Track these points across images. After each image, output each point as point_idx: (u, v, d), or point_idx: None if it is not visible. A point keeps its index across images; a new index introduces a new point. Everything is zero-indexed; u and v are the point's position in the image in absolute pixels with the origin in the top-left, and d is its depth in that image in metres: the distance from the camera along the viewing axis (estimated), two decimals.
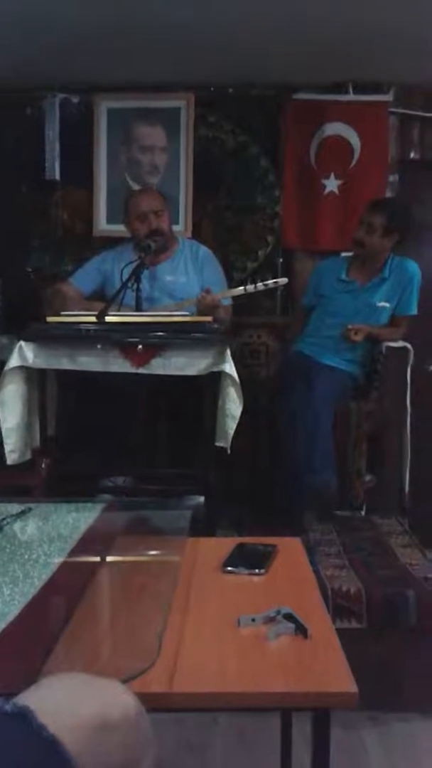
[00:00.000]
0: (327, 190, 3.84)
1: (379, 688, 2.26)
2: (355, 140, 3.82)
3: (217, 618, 1.25)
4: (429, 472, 3.66)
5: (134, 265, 2.89)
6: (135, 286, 2.86)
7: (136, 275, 2.85)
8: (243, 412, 2.56)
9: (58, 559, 1.39)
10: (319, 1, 2.85)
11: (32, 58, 3.47)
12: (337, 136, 3.81)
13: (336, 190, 3.84)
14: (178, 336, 2.60)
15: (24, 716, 0.58)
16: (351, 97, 3.80)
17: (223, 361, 2.54)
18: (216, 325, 2.69)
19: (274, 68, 3.61)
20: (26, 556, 1.39)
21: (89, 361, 2.61)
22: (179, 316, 2.78)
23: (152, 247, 2.98)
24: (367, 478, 3.26)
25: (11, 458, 2.58)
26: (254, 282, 2.88)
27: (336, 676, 1.06)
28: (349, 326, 3.12)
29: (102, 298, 3.12)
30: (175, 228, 3.50)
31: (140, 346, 2.57)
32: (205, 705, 1.10)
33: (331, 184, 3.83)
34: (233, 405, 2.54)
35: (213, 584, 1.42)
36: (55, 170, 3.90)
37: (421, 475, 3.45)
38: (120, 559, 1.61)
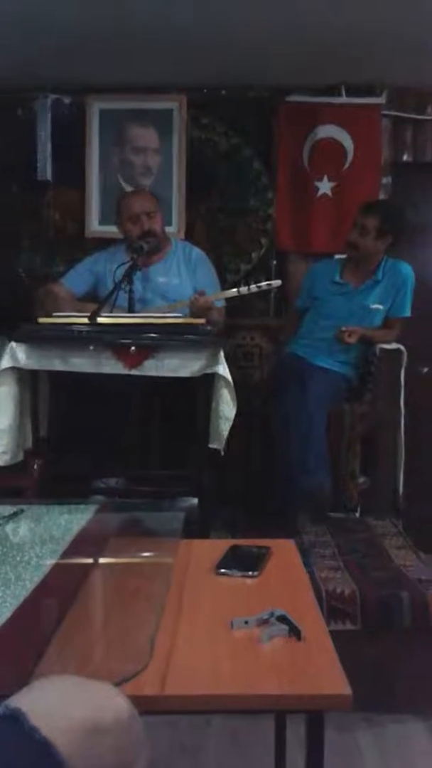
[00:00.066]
0: (320, 193, 3.84)
1: (374, 689, 2.25)
2: (348, 143, 3.82)
3: (210, 620, 1.24)
4: (423, 474, 3.67)
5: (127, 266, 2.88)
6: (128, 287, 2.86)
7: (128, 276, 2.85)
8: (236, 414, 2.55)
9: (50, 561, 1.38)
10: (313, 3, 2.85)
11: (24, 59, 3.47)
12: (330, 139, 3.82)
13: (329, 193, 3.84)
14: (171, 338, 2.59)
15: (16, 718, 0.57)
16: (344, 99, 3.81)
17: (216, 362, 2.54)
18: (209, 327, 2.68)
19: (268, 70, 3.61)
20: (18, 558, 1.38)
21: (81, 363, 2.60)
22: (172, 318, 2.77)
23: (145, 249, 2.98)
24: (361, 479, 3.26)
25: (3, 460, 2.57)
26: (247, 284, 2.88)
27: (330, 678, 1.06)
28: (343, 328, 3.13)
29: (94, 299, 3.11)
30: (168, 230, 3.50)
31: (133, 348, 2.57)
32: (197, 707, 1.09)
33: (324, 187, 3.84)
34: (227, 407, 2.54)
35: (206, 586, 1.41)
36: (46, 171, 3.89)
37: (415, 476, 3.45)
38: (113, 561, 1.60)
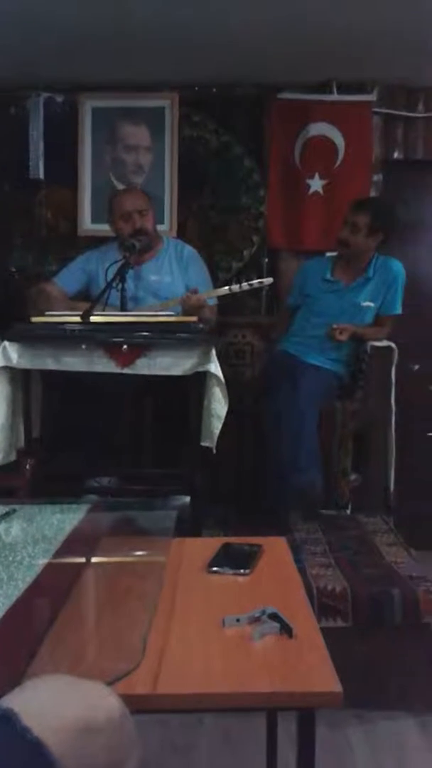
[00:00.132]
0: (311, 190, 3.85)
1: (365, 686, 2.27)
2: (339, 140, 3.83)
3: (202, 618, 1.24)
4: (414, 471, 3.69)
5: (119, 264, 2.88)
6: (120, 285, 2.86)
7: (120, 275, 2.85)
8: (228, 412, 2.56)
9: (42, 561, 1.38)
10: (304, 2, 2.85)
11: (17, 58, 3.46)
12: (321, 136, 3.82)
13: (320, 190, 3.84)
14: (164, 336, 2.60)
15: (8, 719, 0.57)
16: (335, 97, 3.81)
17: (208, 361, 2.54)
18: (201, 325, 2.69)
19: (259, 68, 3.61)
20: (10, 558, 1.38)
21: (74, 362, 2.60)
22: (164, 316, 2.77)
23: (137, 247, 2.98)
24: (353, 477, 3.27)
25: None
26: (239, 282, 2.89)
27: (321, 675, 1.06)
28: (334, 326, 3.13)
29: (86, 298, 3.11)
30: (160, 227, 3.50)
31: (125, 346, 2.57)
32: (189, 706, 1.10)
33: (316, 184, 3.84)
34: (218, 405, 2.55)
35: (198, 585, 1.42)
36: (39, 169, 3.88)
37: (406, 473, 3.47)
38: (105, 560, 1.61)
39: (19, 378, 2.68)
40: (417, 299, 3.66)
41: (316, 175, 3.84)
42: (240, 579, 1.45)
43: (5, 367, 2.59)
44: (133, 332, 2.60)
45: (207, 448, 2.58)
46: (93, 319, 2.60)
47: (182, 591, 1.37)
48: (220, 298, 3.15)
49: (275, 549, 1.63)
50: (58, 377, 2.71)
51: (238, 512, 3.09)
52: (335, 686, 1.04)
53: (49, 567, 1.36)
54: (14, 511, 1.70)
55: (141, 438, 3.07)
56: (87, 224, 3.92)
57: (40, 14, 2.99)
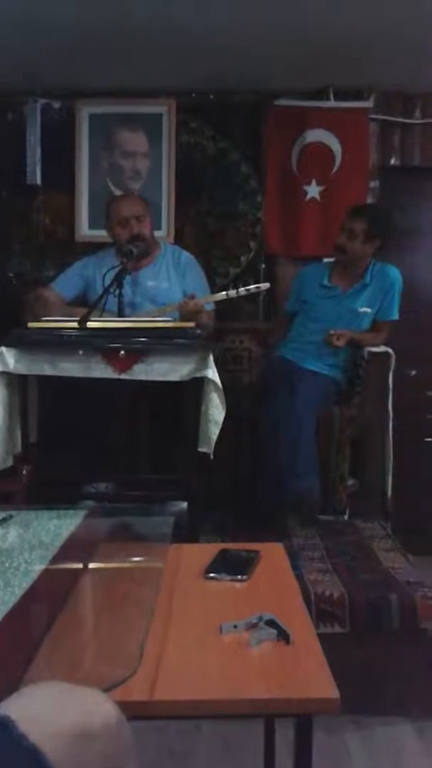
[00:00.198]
0: (308, 197, 3.86)
1: (362, 692, 2.27)
2: (336, 146, 3.84)
3: (200, 625, 1.25)
4: (411, 476, 3.69)
5: (116, 270, 2.88)
6: (117, 291, 2.86)
7: (118, 281, 2.85)
8: (226, 418, 2.56)
9: (39, 567, 1.38)
10: (300, 7, 2.86)
11: (14, 64, 3.47)
12: (318, 143, 3.83)
13: (317, 197, 3.85)
14: (161, 342, 2.60)
15: (5, 725, 0.57)
16: (332, 103, 3.82)
17: (205, 366, 2.54)
18: (198, 331, 2.69)
19: (256, 75, 3.63)
20: (7, 565, 1.38)
21: (71, 367, 2.60)
22: (161, 322, 2.77)
23: (134, 253, 2.98)
24: (350, 482, 3.27)
25: None
26: (236, 287, 2.89)
27: (318, 682, 1.07)
28: (331, 331, 3.13)
29: (84, 303, 3.11)
30: (158, 233, 3.50)
31: (122, 352, 2.57)
32: (187, 713, 1.10)
33: (313, 191, 3.85)
34: (216, 411, 2.54)
35: (195, 591, 1.42)
36: (36, 175, 3.88)
37: (404, 479, 3.47)
38: (102, 566, 1.61)
39: (16, 383, 2.68)
40: (414, 305, 3.67)
41: (313, 182, 3.85)
42: (237, 585, 1.45)
43: (2, 373, 2.59)
44: (130, 338, 2.60)
45: (204, 453, 2.58)
46: (90, 324, 2.59)
47: (179, 597, 1.37)
48: (218, 303, 3.15)
49: (273, 555, 1.64)
50: (55, 383, 2.71)
51: (236, 518, 3.08)
52: (332, 692, 1.04)
53: (45, 573, 1.37)
54: (11, 516, 1.70)
55: (138, 443, 3.06)
56: (84, 230, 3.93)
57: (38, 20, 2.99)
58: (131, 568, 1.60)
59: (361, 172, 3.85)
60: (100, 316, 2.75)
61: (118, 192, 3.82)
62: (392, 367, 3.28)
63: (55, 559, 1.44)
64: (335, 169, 3.85)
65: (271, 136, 3.87)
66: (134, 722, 0.79)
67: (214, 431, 2.54)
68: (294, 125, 3.84)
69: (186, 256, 3.29)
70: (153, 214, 3.29)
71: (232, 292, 2.88)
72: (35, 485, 2.66)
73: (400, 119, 3.88)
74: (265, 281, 3.14)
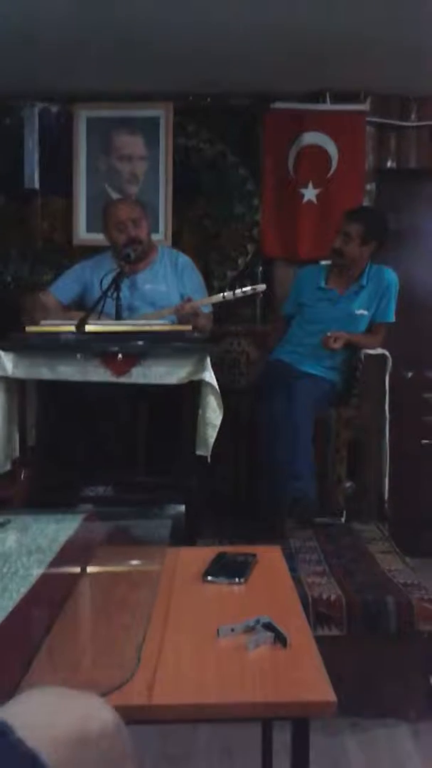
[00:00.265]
0: (305, 199, 3.87)
1: (360, 694, 2.27)
2: (332, 149, 3.85)
3: (197, 628, 1.25)
4: (408, 479, 3.70)
5: (114, 274, 2.89)
6: (115, 295, 2.86)
7: (115, 284, 2.85)
8: (223, 420, 2.57)
9: (37, 572, 1.39)
10: (297, 10, 2.87)
11: (11, 68, 3.47)
12: (314, 146, 3.84)
13: (314, 199, 3.86)
14: (158, 345, 2.61)
15: (2, 730, 0.58)
16: (328, 106, 3.83)
17: (203, 369, 2.55)
18: (196, 334, 2.70)
19: (252, 78, 3.63)
20: (5, 569, 1.38)
21: (69, 371, 2.61)
22: (159, 325, 2.78)
23: (132, 257, 2.99)
24: (347, 484, 3.27)
25: None
26: (233, 289, 2.90)
27: (315, 685, 1.07)
28: (329, 334, 3.14)
29: (81, 307, 3.12)
30: (155, 236, 3.52)
31: (120, 356, 2.58)
32: (184, 716, 1.10)
33: (309, 193, 3.86)
34: (213, 414, 2.55)
35: (193, 594, 1.42)
36: (34, 179, 3.89)
37: (401, 481, 3.48)
38: (100, 570, 1.61)
39: (14, 388, 2.68)
40: (410, 307, 3.68)
41: (310, 184, 3.86)
42: (235, 588, 1.45)
43: (0, 377, 2.59)
44: (128, 341, 2.61)
45: (202, 456, 2.59)
46: (88, 328, 2.60)
47: (177, 600, 1.38)
48: (215, 306, 3.17)
49: (270, 558, 1.64)
50: (53, 387, 2.72)
51: (233, 520, 3.09)
52: (329, 696, 1.04)
53: (43, 577, 1.37)
54: (9, 521, 1.71)
55: (136, 447, 3.07)
56: (82, 234, 3.93)
57: (35, 25, 3.00)
58: (129, 572, 1.61)
59: (358, 174, 3.86)
60: (98, 319, 2.76)
61: (115, 195, 3.83)
62: (389, 369, 3.29)
63: (53, 564, 1.44)
64: (332, 171, 3.86)
65: (268, 139, 3.88)
66: (132, 726, 0.79)
67: (212, 434, 2.55)
68: (290, 128, 3.85)
69: (183, 258, 3.30)
70: (150, 217, 3.30)
71: (229, 294, 2.89)
72: (33, 489, 2.66)
73: (396, 122, 3.89)
74: (262, 284, 3.15)
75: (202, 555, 1.62)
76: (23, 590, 1.28)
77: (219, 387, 2.56)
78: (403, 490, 3.58)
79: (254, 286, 2.95)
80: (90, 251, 3.53)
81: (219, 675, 1.10)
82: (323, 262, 3.53)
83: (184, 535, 2.57)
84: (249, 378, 3.68)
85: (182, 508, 2.71)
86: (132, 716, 0.88)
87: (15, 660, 1.08)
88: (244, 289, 2.89)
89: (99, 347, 2.59)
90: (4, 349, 2.59)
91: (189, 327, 2.74)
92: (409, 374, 3.95)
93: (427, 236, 4.01)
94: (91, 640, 1.28)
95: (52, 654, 1.14)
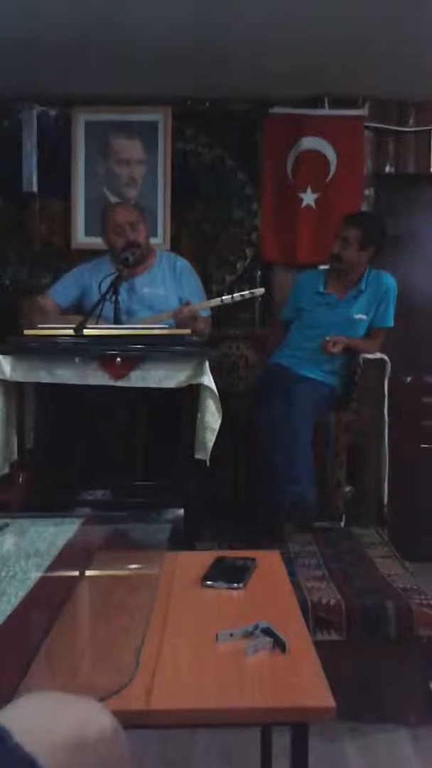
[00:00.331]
0: (304, 204, 3.87)
1: (359, 699, 2.27)
2: (331, 154, 3.86)
3: (196, 633, 1.24)
4: (407, 483, 3.70)
5: (113, 277, 2.89)
6: (113, 298, 2.86)
7: (114, 288, 2.85)
8: (222, 424, 2.56)
9: (35, 575, 1.38)
10: (296, 15, 2.88)
11: (10, 71, 3.48)
12: (313, 150, 3.85)
13: (312, 204, 3.87)
14: (157, 348, 2.60)
15: (0, 736, 0.57)
16: (327, 111, 3.84)
17: (201, 373, 2.55)
18: (195, 338, 2.70)
19: (251, 82, 3.64)
20: (3, 573, 1.38)
21: (67, 375, 2.60)
22: (158, 329, 2.78)
23: (130, 260, 2.99)
24: (347, 489, 3.27)
25: None
26: (231, 293, 2.91)
27: (314, 690, 1.07)
28: (327, 338, 3.14)
29: (79, 310, 3.12)
30: (154, 240, 3.52)
31: (119, 359, 2.57)
32: (183, 722, 1.10)
33: (308, 198, 3.87)
34: (212, 417, 2.55)
35: (192, 599, 1.42)
36: (32, 183, 3.89)
37: (400, 486, 3.48)
38: (99, 574, 1.60)
39: (13, 391, 2.68)
40: (409, 312, 3.68)
41: (309, 189, 3.86)
42: (234, 593, 1.45)
43: None
44: (126, 345, 2.60)
45: (201, 460, 2.58)
46: (86, 332, 2.60)
47: (176, 605, 1.37)
48: (214, 310, 3.17)
49: (269, 562, 1.64)
50: (51, 390, 2.71)
51: (232, 524, 3.08)
52: (328, 701, 1.04)
53: (42, 581, 1.36)
54: (7, 524, 1.70)
55: (134, 450, 3.06)
56: (80, 237, 3.93)
57: (34, 28, 3.00)
58: (127, 576, 1.60)
59: (356, 179, 3.86)
60: (97, 323, 2.75)
61: (114, 199, 3.84)
62: (388, 373, 3.29)
63: (52, 567, 1.44)
64: (330, 176, 3.86)
65: (267, 144, 3.89)
66: (131, 731, 0.79)
67: (210, 438, 2.54)
68: (289, 133, 3.85)
69: (182, 262, 3.30)
70: (149, 221, 3.30)
71: (227, 298, 2.89)
72: (32, 492, 2.66)
73: (395, 127, 3.90)
74: (261, 288, 3.15)
75: (200, 559, 1.61)
76: (21, 594, 1.27)
77: (218, 391, 2.56)
78: (403, 495, 3.58)
79: (253, 290, 2.95)
80: (88, 255, 3.53)
81: (218, 680, 1.09)
82: (322, 267, 3.53)
83: (183, 538, 2.56)
84: (248, 382, 3.67)
85: (181, 511, 2.70)
86: (130, 721, 0.88)
87: (13, 664, 1.08)
88: (242, 293, 2.89)
89: (97, 351, 2.59)
90: (2, 353, 2.58)
91: (188, 331, 2.73)
92: (408, 379, 3.96)
93: (425, 241, 4.02)
94: (89, 644, 1.28)
95: (50, 658, 1.13)
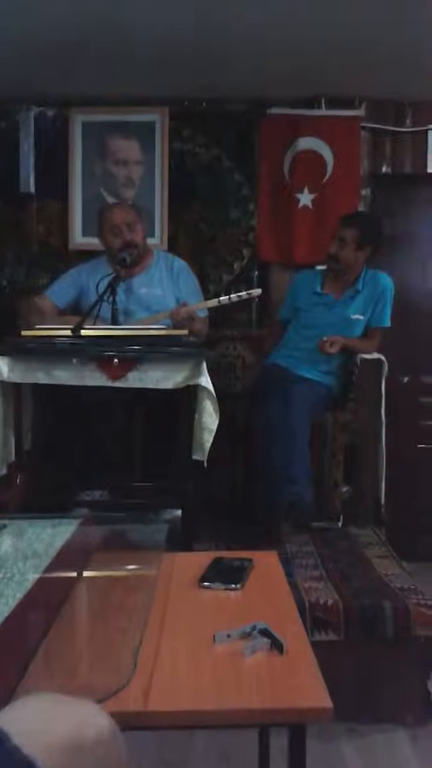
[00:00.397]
0: (300, 204, 3.87)
1: (357, 699, 2.27)
2: (327, 154, 3.86)
3: (193, 634, 1.25)
4: (405, 483, 3.70)
5: (110, 278, 2.89)
6: (111, 299, 2.86)
7: (111, 288, 2.85)
8: (219, 425, 2.56)
9: (33, 577, 1.38)
10: (292, 16, 2.88)
11: (7, 72, 3.47)
12: (310, 151, 3.85)
13: (309, 204, 3.87)
14: (154, 349, 2.60)
15: None
16: (323, 112, 3.84)
17: (199, 374, 2.55)
18: (192, 338, 2.70)
19: (248, 83, 3.64)
20: (0, 575, 1.38)
21: (65, 375, 2.60)
22: (155, 330, 2.78)
23: (128, 261, 2.99)
24: (344, 489, 3.27)
25: None
26: (229, 294, 2.91)
27: (311, 691, 1.07)
28: (324, 338, 3.15)
29: (77, 311, 3.12)
30: (151, 241, 3.52)
31: (116, 360, 2.57)
32: (180, 723, 1.10)
33: (305, 198, 3.87)
34: (209, 418, 2.55)
35: (189, 600, 1.42)
36: (29, 183, 3.89)
37: (397, 486, 3.48)
38: (96, 575, 1.61)
39: (10, 392, 2.68)
40: (406, 312, 3.68)
41: (305, 189, 3.86)
42: (231, 594, 1.45)
43: None
44: (123, 346, 2.60)
45: (198, 461, 2.59)
46: (84, 332, 2.60)
47: (173, 606, 1.37)
48: (211, 310, 3.17)
49: (266, 563, 1.64)
50: (49, 391, 2.71)
51: (230, 525, 3.08)
52: (325, 702, 1.04)
53: (39, 582, 1.36)
54: (5, 526, 1.70)
55: (132, 451, 3.06)
56: (78, 238, 3.93)
57: (31, 29, 3.00)
58: (125, 577, 1.60)
59: (353, 179, 3.87)
60: (94, 323, 2.76)
61: (111, 200, 3.84)
62: (385, 373, 3.29)
63: (49, 569, 1.44)
64: (327, 176, 3.86)
65: (264, 144, 3.89)
66: (128, 732, 0.79)
67: (208, 439, 2.55)
68: (286, 133, 3.86)
69: (179, 262, 3.30)
70: (146, 221, 3.30)
71: (224, 299, 2.89)
72: (29, 493, 2.66)
73: (391, 127, 3.90)
74: (258, 288, 3.15)
75: (198, 560, 1.61)
76: (19, 595, 1.27)
77: (215, 391, 2.56)
78: (400, 495, 3.58)
79: (250, 291, 2.95)
80: (86, 255, 3.54)
81: (215, 681, 1.09)
82: (319, 267, 3.53)
83: (181, 539, 2.56)
84: (245, 382, 3.68)
85: (179, 512, 2.70)
86: (128, 722, 0.88)
87: (11, 665, 1.08)
88: (239, 293, 2.89)
89: (95, 351, 2.59)
90: (0, 353, 2.58)
91: (185, 331, 2.74)
92: (405, 378, 3.96)
93: (422, 241, 4.02)
94: (87, 645, 1.28)
95: (48, 659, 1.14)
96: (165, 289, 3.19)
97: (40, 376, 2.62)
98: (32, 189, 3.90)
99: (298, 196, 3.87)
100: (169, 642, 1.21)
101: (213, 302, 2.96)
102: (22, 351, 2.61)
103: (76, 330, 2.58)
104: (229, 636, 1.21)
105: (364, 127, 3.87)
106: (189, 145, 3.94)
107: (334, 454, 3.24)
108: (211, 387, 2.54)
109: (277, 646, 1.18)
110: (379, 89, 3.73)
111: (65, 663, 1.15)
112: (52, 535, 1.64)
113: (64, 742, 0.64)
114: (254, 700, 1.05)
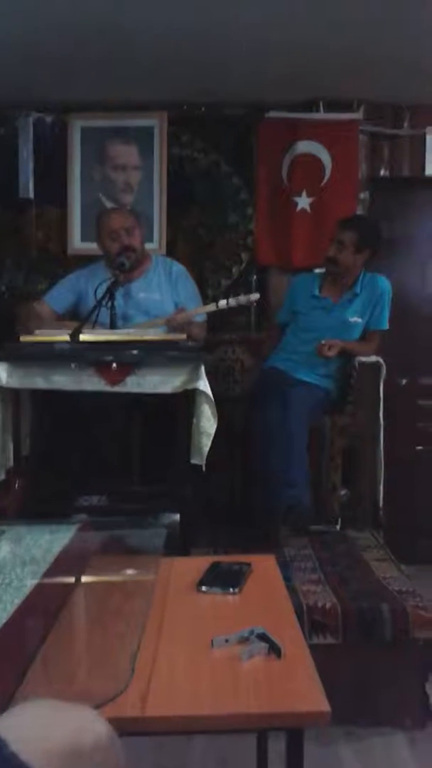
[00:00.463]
0: (299, 208, 3.88)
1: (355, 702, 2.27)
2: (326, 158, 3.87)
3: (191, 639, 1.25)
4: (403, 486, 3.70)
5: (108, 283, 2.89)
6: (109, 304, 2.87)
7: (110, 293, 2.86)
8: (218, 429, 2.57)
9: (31, 582, 1.38)
10: (291, 21, 2.89)
11: (6, 78, 3.48)
12: (308, 154, 3.86)
13: (308, 208, 3.88)
14: (153, 354, 2.61)
15: None
16: (321, 115, 3.85)
17: (197, 378, 2.55)
18: (190, 343, 2.70)
19: (246, 87, 3.65)
20: None
21: (63, 380, 2.61)
22: (153, 334, 2.78)
23: (126, 265, 3.00)
24: (342, 492, 3.28)
25: None
26: (227, 298, 2.91)
27: (309, 695, 1.07)
28: (323, 341, 3.15)
29: (75, 316, 3.12)
30: (150, 245, 3.53)
31: (114, 365, 2.58)
32: (178, 728, 1.10)
33: (303, 202, 3.88)
34: (207, 422, 2.56)
35: (187, 604, 1.42)
36: (28, 189, 3.90)
37: (395, 488, 3.48)
38: (94, 580, 1.61)
39: (9, 397, 2.68)
40: (404, 315, 3.69)
41: (304, 193, 3.87)
42: (229, 598, 1.46)
43: None
44: (122, 350, 2.61)
45: (196, 465, 2.59)
46: (82, 337, 2.61)
47: (171, 611, 1.38)
48: (209, 315, 3.17)
49: (264, 567, 1.64)
50: (47, 396, 2.72)
51: (228, 529, 3.09)
52: (323, 706, 1.05)
53: (37, 588, 1.37)
54: (3, 531, 1.70)
55: (130, 456, 3.07)
56: (77, 243, 3.94)
57: (30, 35, 3.01)
58: (123, 582, 1.61)
59: (351, 183, 3.87)
60: (93, 328, 2.76)
61: (110, 205, 3.85)
62: (383, 376, 3.30)
63: (48, 574, 1.44)
64: (325, 180, 3.87)
65: (262, 148, 3.90)
66: (126, 738, 0.79)
67: (206, 443, 2.55)
68: (284, 137, 3.86)
69: (177, 267, 3.31)
70: (145, 226, 3.31)
71: (222, 303, 2.89)
72: (27, 499, 2.66)
73: (390, 131, 3.91)
74: (256, 292, 3.16)
75: (196, 565, 1.62)
76: (17, 601, 1.28)
77: (213, 395, 2.57)
78: (398, 498, 3.59)
79: (248, 296, 2.96)
80: (84, 260, 3.54)
81: (213, 686, 1.10)
82: (317, 271, 3.54)
83: (179, 544, 2.57)
84: (243, 386, 3.68)
85: (177, 516, 2.71)
86: (126, 728, 0.89)
87: (9, 671, 1.08)
88: (237, 297, 2.90)
89: (93, 356, 2.60)
90: None
91: (183, 336, 2.74)
92: (403, 381, 3.97)
93: (420, 244, 4.03)
94: (85, 650, 1.28)
95: (46, 665, 1.14)
96: (163, 294, 3.20)
97: (39, 381, 2.62)
98: (31, 194, 3.91)
99: (297, 199, 3.88)
100: (166, 647, 1.22)
101: (211, 307, 2.97)
102: (20, 356, 2.62)
103: (74, 335, 2.59)
104: (227, 641, 1.21)
105: (362, 131, 3.87)
106: (188, 150, 3.95)
107: (333, 457, 3.25)
108: (209, 391, 2.55)
109: (275, 650, 1.18)
110: (377, 92, 3.74)
111: (63, 669, 1.16)
112: (50, 541, 1.64)
113: (62, 748, 0.65)
114: (252, 704, 1.05)
